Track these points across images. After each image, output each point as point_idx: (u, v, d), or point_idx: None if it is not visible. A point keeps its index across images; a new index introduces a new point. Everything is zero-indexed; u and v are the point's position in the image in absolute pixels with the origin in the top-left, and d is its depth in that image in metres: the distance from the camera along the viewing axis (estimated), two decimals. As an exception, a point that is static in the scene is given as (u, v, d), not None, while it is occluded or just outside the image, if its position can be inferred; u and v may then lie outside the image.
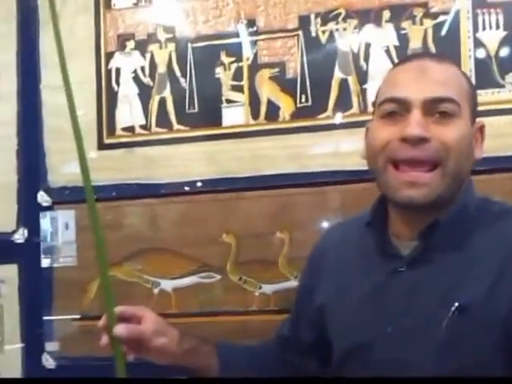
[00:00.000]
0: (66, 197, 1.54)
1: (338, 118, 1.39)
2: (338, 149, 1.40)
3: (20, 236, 1.57)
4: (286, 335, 1.11)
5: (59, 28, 0.84)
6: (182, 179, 1.48)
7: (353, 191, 1.36)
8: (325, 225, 1.40)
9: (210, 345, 1.05)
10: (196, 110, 1.49)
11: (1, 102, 1.62)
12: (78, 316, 1.52)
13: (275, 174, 1.42)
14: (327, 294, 1.01)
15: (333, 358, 0.98)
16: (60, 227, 1.56)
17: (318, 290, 1.03)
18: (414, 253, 0.90)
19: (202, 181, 1.48)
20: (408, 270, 0.89)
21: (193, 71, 1.49)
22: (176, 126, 1.50)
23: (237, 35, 1.46)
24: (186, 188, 1.49)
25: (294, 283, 1.36)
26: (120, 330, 0.87)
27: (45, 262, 1.55)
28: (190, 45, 1.49)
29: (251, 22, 1.46)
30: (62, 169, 1.55)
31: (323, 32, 1.41)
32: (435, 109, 0.86)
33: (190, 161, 1.49)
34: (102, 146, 1.54)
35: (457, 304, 0.83)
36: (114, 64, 1.54)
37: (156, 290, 1.48)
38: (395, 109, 0.88)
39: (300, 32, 1.42)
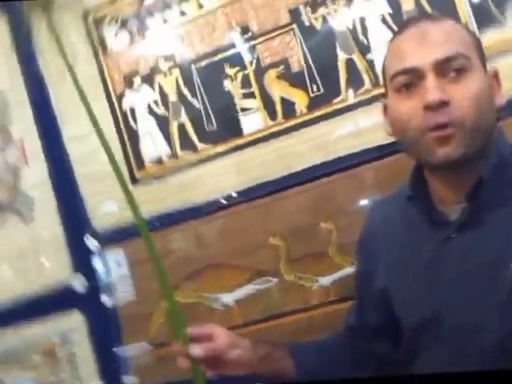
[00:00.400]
0: (112, 236, 1.60)
1: (353, 98, 1.40)
2: (360, 127, 1.40)
3: (77, 282, 1.63)
4: (353, 324, 1.11)
5: (75, 75, 0.88)
6: (217, 195, 1.51)
7: (385, 165, 1.36)
8: (366, 205, 1.39)
9: (282, 347, 1.06)
10: (215, 126, 1.52)
11: (30, 165, 1.68)
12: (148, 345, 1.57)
13: (305, 168, 1.44)
14: (386, 274, 1.01)
15: (404, 336, 0.98)
16: (112, 266, 1.61)
17: (376, 273, 1.03)
18: (462, 216, 0.89)
19: (236, 192, 1.50)
20: (460, 234, 0.88)
21: (202, 90, 1.52)
22: (200, 146, 1.53)
23: (234, 45, 1.49)
24: (223, 202, 1.51)
25: (349, 269, 1.37)
26: (196, 350, 0.90)
27: (106, 302, 1.61)
28: (193, 66, 1.53)
29: (245, 29, 1.48)
30: (102, 210, 1.61)
31: (316, 19, 1.42)
32: (447, 69, 0.86)
33: (219, 176, 1.52)
34: (134, 181, 1.59)
35: None
36: (127, 104, 1.59)
37: (219, 306, 1.51)
38: (408, 80, 0.88)
39: (294, 25, 1.44)
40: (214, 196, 1.52)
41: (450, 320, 0.89)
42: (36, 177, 1.69)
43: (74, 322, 1.64)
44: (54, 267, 1.67)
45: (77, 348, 1.64)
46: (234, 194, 1.50)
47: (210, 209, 1.52)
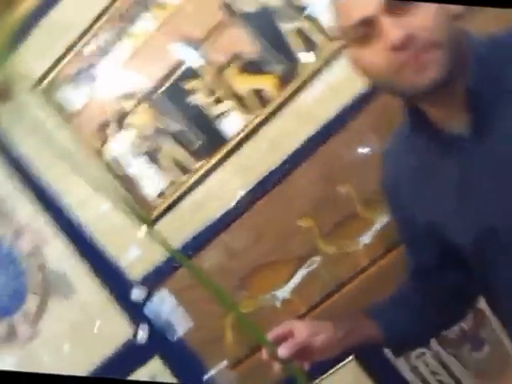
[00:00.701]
0: (150, 279, 1.63)
1: (312, 57, 1.39)
2: (338, 84, 1.39)
3: (142, 335, 1.67)
4: (414, 268, 1.12)
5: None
6: (231, 202, 1.52)
7: (373, 111, 1.35)
8: (370, 153, 1.40)
9: (361, 316, 1.08)
10: (199, 142, 1.51)
11: (50, 244, 1.70)
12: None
13: (302, 143, 1.44)
14: (423, 210, 1.00)
15: (468, 258, 0.98)
16: (161, 305, 1.64)
17: (414, 213, 1.02)
18: (468, 126, 0.89)
19: (246, 192, 1.51)
20: (474, 144, 0.88)
21: (174, 113, 1.51)
22: (195, 165, 1.53)
23: (184, 60, 1.48)
24: (239, 206, 1.53)
25: (383, 219, 1.39)
26: (283, 351, 0.93)
27: (173, 338, 1.64)
28: (155, 95, 1.52)
29: (187, 40, 1.46)
30: (130, 259, 1.63)
31: (248, 3, 1.40)
32: (395, 5, 0.84)
33: (225, 184, 1.53)
34: (151, 222, 1.59)
35: None
36: (109, 155, 1.59)
37: (278, 303, 1.53)
38: (364, 31, 0.86)
39: (232, 18, 1.42)
40: (228, 204, 1.53)
41: (503, 225, 0.89)
42: (59, 252, 1.70)
43: (155, 369, 1.68)
44: (111, 328, 1.70)
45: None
46: (244, 195, 1.51)
47: (229, 218, 1.53)
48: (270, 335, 0.95)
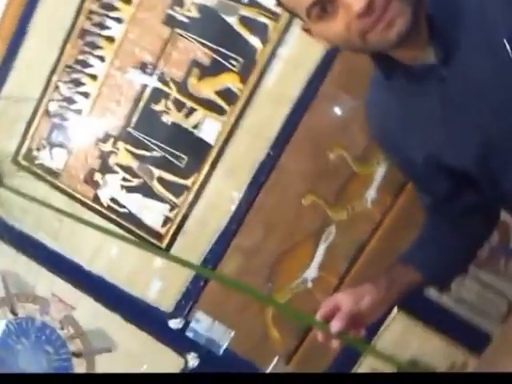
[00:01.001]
0: (183, 305, 1.64)
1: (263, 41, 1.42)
2: (296, 58, 1.41)
3: (193, 361, 1.67)
4: (428, 203, 1.12)
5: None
6: (232, 207, 1.55)
7: (338, 72, 1.38)
8: (352, 109, 1.41)
9: (395, 267, 1.07)
10: (186, 156, 1.54)
11: (78, 307, 1.71)
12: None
13: (281, 125, 1.47)
14: (418, 146, 1.00)
15: (476, 177, 0.98)
16: (201, 326, 1.65)
17: (409, 153, 1.02)
18: (438, 53, 0.89)
19: (245, 190, 1.53)
20: (449, 68, 0.89)
21: (152, 140, 1.54)
22: (188, 182, 1.55)
23: (145, 85, 1.51)
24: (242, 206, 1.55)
25: (381, 170, 1.41)
26: (335, 326, 0.93)
27: (220, 352, 1.65)
28: (129, 128, 1.55)
29: (142, 65, 1.50)
30: (155, 293, 1.64)
31: (188, 10, 1.43)
32: None
33: (222, 191, 1.55)
34: (168, 248, 1.62)
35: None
36: (105, 199, 1.61)
37: (310, 284, 1.54)
38: (322, 6, 0.87)
39: (176, 30, 1.45)
40: (229, 210, 1.55)
41: (497, 135, 0.90)
42: (89, 312, 1.72)
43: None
44: (162, 365, 1.70)
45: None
46: (241, 195, 1.53)
47: (235, 221, 1.55)
48: (318, 316, 0.96)
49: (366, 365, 1.53)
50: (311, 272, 1.53)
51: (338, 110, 1.43)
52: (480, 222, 1.10)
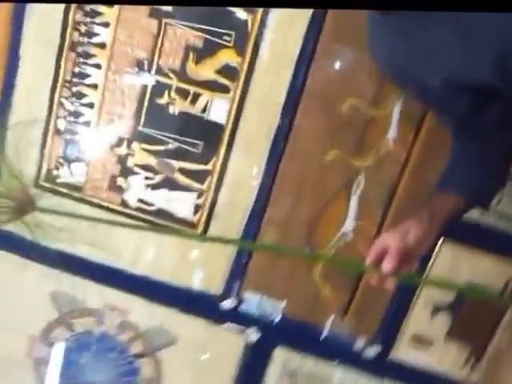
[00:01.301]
0: (230, 285, 1.68)
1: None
2: (287, 20, 1.41)
3: (253, 336, 1.71)
4: (454, 127, 1.11)
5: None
6: (257, 179, 1.57)
7: (332, 24, 1.37)
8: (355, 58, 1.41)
9: (433, 196, 1.08)
10: (201, 143, 1.55)
11: (132, 312, 1.74)
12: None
13: (287, 88, 1.47)
14: (432, 72, 1.00)
15: (498, 87, 0.97)
16: (252, 302, 1.69)
17: (424, 80, 1.01)
18: None
19: (266, 161, 1.55)
20: None
21: (164, 133, 1.55)
22: (209, 167, 1.56)
23: (144, 79, 1.51)
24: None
25: (397, 108, 1.40)
26: (387, 266, 0.95)
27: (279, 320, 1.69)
28: (139, 128, 1.56)
29: (139, 63, 1.50)
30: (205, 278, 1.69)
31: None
32: None
33: (243, 167, 1.56)
34: (204, 233, 1.64)
35: None
36: (133, 201, 1.63)
37: (350, 237, 1.55)
38: None
39: (164, 20, 1.45)
40: (255, 184, 1.56)
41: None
42: (144, 312, 1.75)
43: (284, 357, 1.72)
44: (225, 348, 1.74)
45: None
46: (263, 166, 1.55)
47: (264, 194, 1.57)
48: (368, 261, 0.97)
49: (423, 297, 1.55)
50: (349, 225, 1.54)
51: (339, 64, 1.42)
52: (509, 134, 1.09)
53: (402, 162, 1.46)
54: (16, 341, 1.83)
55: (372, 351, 1.66)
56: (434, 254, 1.49)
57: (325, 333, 1.66)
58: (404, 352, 1.64)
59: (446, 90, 1.02)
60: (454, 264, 1.50)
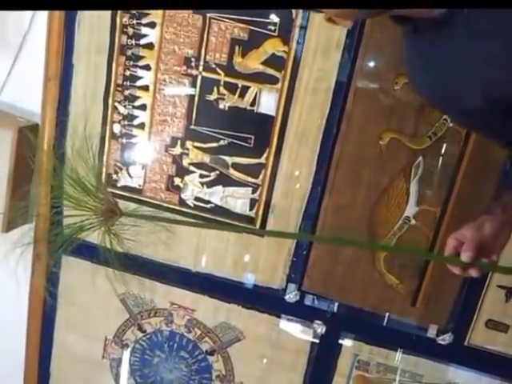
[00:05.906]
0: (294, 276, 1.66)
1: None
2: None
3: (320, 328, 1.69)
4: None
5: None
6: (313, 166, 1.54)
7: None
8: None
9: (504, 191, 1.07)
10: (252, 137, 1.54)
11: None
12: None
13: (336, 73, 1.44)
14: (472, 87, 0.95)
15: None
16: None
17: (465, 99, 0.96)
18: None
19: (320, 148, 1.52)
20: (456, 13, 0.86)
21: (216, 130, 1.55)
22: (262, 160, 1.55)
23: (195, 77, 1.52)
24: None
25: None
26: (467, 255, 0.95)
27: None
28: (192, 126, 1.57)
29: (186, 59, 1.51)
30: (268, 272, 1.68)
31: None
32: None
33: (297, 156, 1.53)
34: (263, 227, 1.63)
35: None
36: (191, 199, 1.64)
37: (413, 221, 1.50)
38: None
39: (202, 16, 1.46)
40: (310, 172, 1.54)
41: None
42: (209, 310, 1.77)
43: (352, 348, 1.69)
44: (294, 341, 1.73)
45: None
46: (317, 154, 1.52)
47: (320, 181, 1.54)
48: (447, 252, 0.98)
49: (494, 283, 1.50)
50: (411, 209, 1.49)
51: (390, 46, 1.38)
52: None
53: (461, 140, 1.40)
54: (92, 343, 1.89)
55: (446, 338, 1.60)
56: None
57: (393, 322, 1.62)
58: (480, 338, 1.59)
59: (486, 106, 0.95)
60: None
